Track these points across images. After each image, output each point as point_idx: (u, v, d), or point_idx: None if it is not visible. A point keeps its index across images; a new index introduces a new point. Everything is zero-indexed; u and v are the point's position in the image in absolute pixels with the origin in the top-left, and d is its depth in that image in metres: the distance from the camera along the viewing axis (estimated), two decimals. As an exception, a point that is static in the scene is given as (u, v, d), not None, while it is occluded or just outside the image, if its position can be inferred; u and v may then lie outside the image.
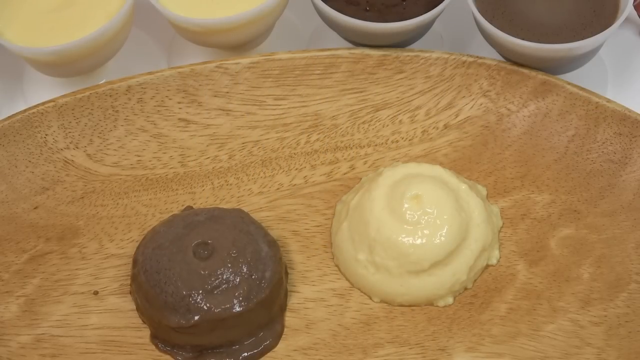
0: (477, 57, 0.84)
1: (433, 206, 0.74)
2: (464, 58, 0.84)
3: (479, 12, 0.82)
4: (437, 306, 0.77)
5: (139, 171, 0.84)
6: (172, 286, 0.73)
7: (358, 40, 0.86)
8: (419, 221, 0.74)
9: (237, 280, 0.73)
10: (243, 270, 0.73)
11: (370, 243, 0.75)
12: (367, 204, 0.76)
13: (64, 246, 0.81)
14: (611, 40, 0.89)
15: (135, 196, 0.83)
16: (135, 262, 0.76)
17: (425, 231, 0.74)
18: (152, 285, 0.73)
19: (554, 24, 0.83)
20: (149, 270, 0.74)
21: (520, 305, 0.76)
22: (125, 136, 0.85)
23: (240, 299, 0.73)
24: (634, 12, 0.92)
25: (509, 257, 0.79)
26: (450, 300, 0.77)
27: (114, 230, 0.81)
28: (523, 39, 0.80)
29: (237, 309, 0.72)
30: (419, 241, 0.74)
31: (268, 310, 0.75)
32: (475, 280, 0.78)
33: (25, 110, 0.84)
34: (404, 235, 0.74)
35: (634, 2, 0.86)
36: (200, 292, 0.72)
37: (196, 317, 0.72)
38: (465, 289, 0.77)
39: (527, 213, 0.80)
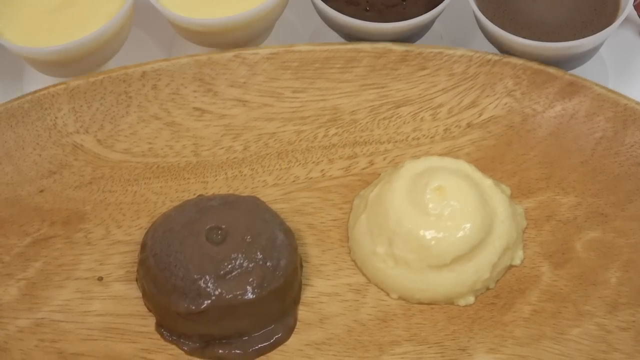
0: (503, 55, 0.82)
1: (457, 199, 0.71)
2: (489, 56, 0.82)
3: (480, 10, 0.81)
4: (457, 305, 0.73)
5: (150, 159, 0.81)
6: (183, 269, 0.69)
7: (358, 40, 0.84)
8: (441, 213, 0.71)
9: (251, 266, 0.69)
10: (257, 256, 0.70)
11: (389, 235, 0.72)
12: (388, 195, 0.73)
13: (69, 230, 0.77)
14: (611, 41, 0.89)
15: (145, 183, 0.80)
16: (143, 246, 0.73)
17: (448, 224, 0.71)
18: (161, 268, 0.70)
19: (555, 22, 0.82)
20: (158, 253, 0.71)
21: (545, 307, 0.73)
22: (138, 123, 0.82)
23: (254, 286, 0.69)
24: (634, 12, 0.91)
25: (533, 258, 0.76)
26: (471, 299, 0.73)
27: (122, 217, 0.78)
28: (524, 38, 0.79)
29: (250, 296, 0.69)
30: (441, 234, 0.71)
31: (281, 301, 0.71)
32: (498, 281, 0.75)
33: (35, 92, 0.81)
34: (425, 228, 0.71)
35: (634, 2, 0.85)
36: (212, 276, 0.69)
37: (206, 303, 0.69)
38: (488, 288, 0.74)
39: (552, 215, 0.77)
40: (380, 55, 0.83)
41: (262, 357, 0.72)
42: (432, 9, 0.81)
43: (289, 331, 0.72)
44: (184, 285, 0.69)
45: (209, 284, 0.69)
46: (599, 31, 0.78)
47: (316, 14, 0.86)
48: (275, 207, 0.77)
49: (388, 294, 0.74)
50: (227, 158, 0.81)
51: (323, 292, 0.75)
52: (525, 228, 0.77)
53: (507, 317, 0.73)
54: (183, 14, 0.83)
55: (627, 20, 0.88)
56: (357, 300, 0.74)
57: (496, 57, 0.82)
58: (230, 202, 0.73)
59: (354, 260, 0.76)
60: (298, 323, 0.73)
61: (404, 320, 0.73)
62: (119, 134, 0.82)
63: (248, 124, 0.82)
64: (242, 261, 0.69)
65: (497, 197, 0.74)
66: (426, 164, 0.74)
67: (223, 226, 0.71)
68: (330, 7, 0.82)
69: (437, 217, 0.71)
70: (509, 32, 0.79)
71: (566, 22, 0.82)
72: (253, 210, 0.73)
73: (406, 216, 0.71)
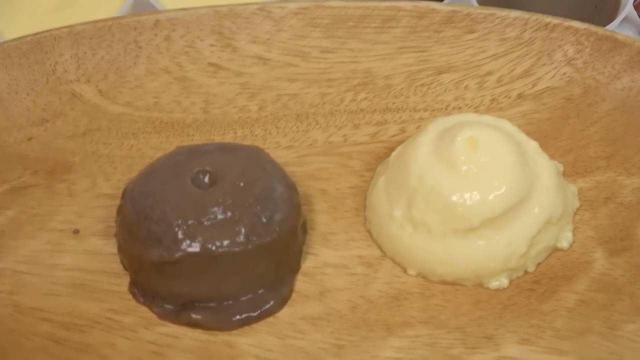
0: (563, 19, 0.71)
1: (490, 153, 0.59)
2: (548, 19, 0.71)
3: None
4: (487, 288, 0.61)
5: (154, 113, 0.72)
6: (159, 211, 0.59)
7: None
8: (471, 169, 0.59)
9: (239, 215, 0.59)
10: (248, 205, 0.59)
11: (409, 195, 0.60)
12: (411, 151, 0.62)
13: (51, 180, 0.68)
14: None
15: (144, 138, 0.70)
16: (124, 192, 0.63)
17: (478, 181, 0.59)
18: (137, 212, 0.60)
19: None
20: (136, 196, 0.61)
21: (594, 298, 0.60)
22: (145, 75, 0.73)
23: (240, 237, 0.58)
24: (634, 12, 0.84)
25: (585, 243, 0.63)
26: (504, 282, 0.61)
27: (113, 170, 0.69)
28: None
29: (234, 248, 0.58)
30: (469, 192, 0.59)
31: (273, 263, 0.60)
32: (539, 264, 0.62)
33: (36, 33, 0.73)
34: (451, 184, 0.59)
35: (634, 2, 0.81)
36: (192, 222, 0.58)
37: (182, 251, 0.57)
38: (526, 272, 0.61)
39: (611, 197, 0.65)
40: (422, 16, 0.73)
41: (246, 327, 0.60)
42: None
43: (281, 302, 0.61)
44: (159, 230, 0.58)
45: (187, 230, 0.58)
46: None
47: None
48: (285, 169, 0.66)
49: (405, 270, 0.62)
50: (239, 117, 0.71)
51: (328, 262, 0.63)
52: (578, 209, 0.64)
53: (547, 306, 0.60)
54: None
55: (627, 20, 0.83)
56: (368, 275, 0.62)
57: (556, 21, 0.71)
58: (227, 148, 0.63)
59: (369, 231, 0.64)
60: (294, 294, 0.62)
61: (421, 300, 0.61)
62: (123, 86, 0.73)
63: (267, 84, 0.73)
64: (229, 208, 0.59)
65: (543, 161, 0.62)
66: (459, 118, 0.63)
67: (213, 170, 0.60)
68: None
69: (465, 173, 0.59)
70: None
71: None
72: (252, 157, 0.62)
73: (430, 171, 0.60)
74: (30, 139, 0.71)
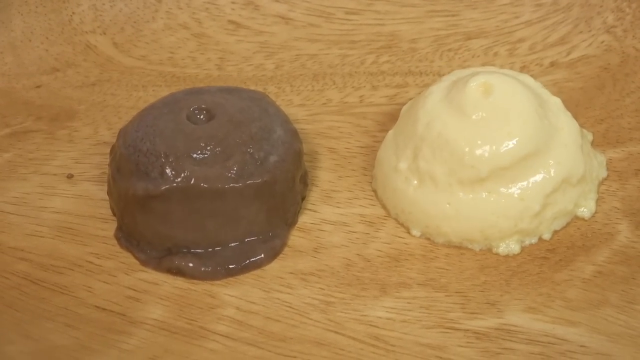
0: (605, -16, 0.66)
1: (504, 100, 0.54)
2: (588, -16, 0.66)
3: None
4: (496, 254, 0.55)
5: (167, 68, 0.69)
6: (149, 143, 0.55)
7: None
8: (482, 115, 0.54)
9: (231, 152, 0.55)
10: (242, 143, 0.55)
11: (416, 144, 0.56)
12: (421, 99, 0.57)
13: (53, 127, 0.66)
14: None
15: (153, 90, 0.68)
16: (119, 133, 0.60)
17: (489, 128, 0.54)
18: (127, 145, 0.56)
19: None
20: (129, 130, 0.57)
21: (614, 270, 0.54)
22: (163, 30, 0.71)
23: (230, 173, 0.54)
24: None
25: (609, 213, 0.57)
26: (515, 247, 0.55)
27: (117, 120, 0.66)
28: None
29: (222, 184, 0.54)
30: (478, 139, 0.53)
31: (264, 209, 0.56)
32: (555, 232, 0.56)
33: (55, -18, 0.71)
34: (459, 130, 0.54)
35: None
36: (181, 155, 0.55)
37: (169, 183, 0.54)
38: (540, 239, 0.56)
39: (643, 168, 0.59)
40: (454, -22, 0.69)
41: (230, 278, 0.55)
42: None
43: (272, 254, 0.57)
44: (147, 162, 0.55)
45: (175, 163, 0.54)
46: None
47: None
48: (295, 127, 0.62)
49: (409, 231, 0.57)
50: (253, 75, 0.68)
51: (327, 219, 0.59)
52: (605, 179, 0.59)
53: (560, 275, 0.54)
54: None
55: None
56: (368, 234, 0.58)
57: (596, -14, 0.66)
58: (230, 90, 0.60)
59: (374, 191, 0.60)
60: (287, 249, 0.57)
61: (423, 262, 0.56)
62: (139, 40, 0.70)
63: (287, 44, 0.69)
64: (221, 143, 0.55)
65: (566, 118, 0.57)
66: (476, 70, 0.58)
67: (210, 107, 0.57)
68: None
69: (476, 119, 0.54)
70: None
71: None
72: (256, 99, 0.59)
73: (438, 117, 0.55)
74: (38, 86, 0.69)
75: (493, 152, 0.53)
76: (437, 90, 0.57)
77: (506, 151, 0.53)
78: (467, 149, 0.54)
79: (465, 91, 0.54)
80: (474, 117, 0.54)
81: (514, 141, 0.53)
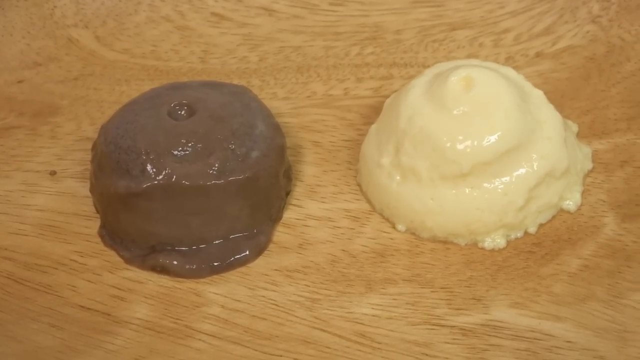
0: (590, -27, 0.66)
1: (486, 94, 0.54)
2: (574, -26, 0.66)
3: None
4: (482, 248, 0.55)
5: (150, 61, 0.68)
6: (130, 140, 0.55)
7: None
8: (463, 110, 0.54)
9: (213, 148, 0.54)
10: (223, 139, 0.55)
11: (397, 139, 0.55)
12: (403, 93, 0.57)
13: (35, 123, 0.65)
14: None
15: (136, 84, 0.67)
16: (100, 130, 0.59)
17: (470, 122, 0.54)
18: (107, 142, 0.56)
19: None
20: (109, 127, 0.57)
21: (600, 264, 0.54)
22: (146, 23, 0.70)
23: (212, 171, 0.54)
24: None
25: (595, 206, 0.57)
26: (501, 242, 0.55)
27: (100, 115, 0.65)
28: None
29: (204, 181, 0.54)
30: (460, 134, 0.53)
31: (248, 206, 0.56)
32: (541, 226, 0.56)
33: (37, -24, 0.71)
34: (441, 125, 0.54)
35: None
36: (163, 152, 0.54)
37: (150, 181, 0.53)
38: (526, 233, 0.55)
39: (629, 160, 0.59)
40: (438, -31, 0.69)
41: (215, 276, 0.55)
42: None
43: (257, 251, 0.56)
44: (128, 160, 0.54)
45: (157, 161, 0.54)
46: None
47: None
48: (278, 120, 0.62)
49: (394, 226, 0.57)
50: (237, 67, 0.67)
51: (312, 215, 0.58)
52: (590, 171, 0.58)
53: (546, 270, 0.54)
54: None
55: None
56: (353, 229, 0.57)
57: (582, -25, 0.66)
58: (212, 84, 0.59)
59: (359, 185, 0.59)
60: (272, 245, 0.57)
61: (408, 257, 0.55)
62: (122, 33, 0.70)
63: (271, 36, 0.69)
64: (203, 140, 0.55)
65: (548, 111, 0.56)
66: (458, 63, 0.58)
67: (191, 103, 0.56)
68: None
69: (457, 114, 0.54)
70: None
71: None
72: (238, 94, 0.58)
73: (419, 112, 0.55)
74: (20, 81, 0.68)
75: (475, 147, 0.53)
76: (419, 84, 0.56)
77: (488, 146, 0.53)
78: (448, 144, 0.53)
79: (446, 85, 0.54)
80: (455, 111, 0.54)
81: (496, 136, 0.53)
